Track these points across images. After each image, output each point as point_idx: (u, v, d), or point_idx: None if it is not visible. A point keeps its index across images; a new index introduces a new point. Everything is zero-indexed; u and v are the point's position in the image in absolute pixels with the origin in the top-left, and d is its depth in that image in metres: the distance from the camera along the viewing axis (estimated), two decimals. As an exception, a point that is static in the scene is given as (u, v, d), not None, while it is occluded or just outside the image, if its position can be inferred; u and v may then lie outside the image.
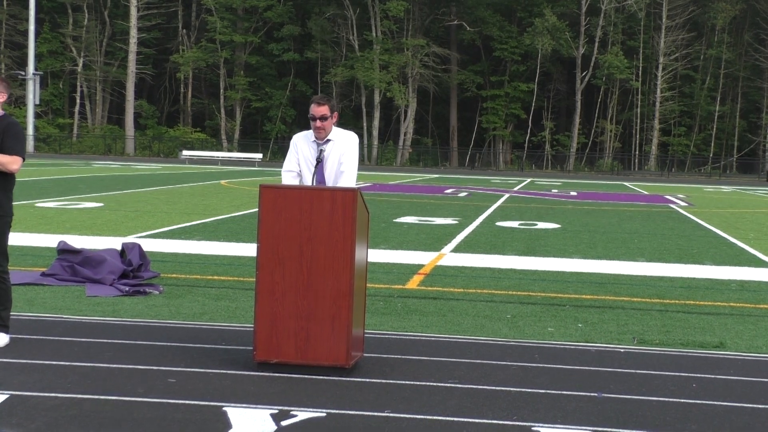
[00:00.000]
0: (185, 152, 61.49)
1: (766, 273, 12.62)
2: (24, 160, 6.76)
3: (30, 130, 62.68)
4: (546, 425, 5.36)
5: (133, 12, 69.72)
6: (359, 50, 68.87)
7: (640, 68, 71.20)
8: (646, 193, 37.47)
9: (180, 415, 5.27)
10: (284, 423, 5.20)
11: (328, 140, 6.86)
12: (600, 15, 68.94)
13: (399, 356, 6.92)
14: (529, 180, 49.12)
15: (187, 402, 5.53)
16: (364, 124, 69.40)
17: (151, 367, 6.31)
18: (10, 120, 6.79)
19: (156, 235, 14.64)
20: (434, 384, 6.16)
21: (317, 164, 6.82)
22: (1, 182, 6.71)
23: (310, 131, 6.89)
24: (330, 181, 6.85)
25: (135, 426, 5.06)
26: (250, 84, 70.89)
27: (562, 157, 71.41)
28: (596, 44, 69.31)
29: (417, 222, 18.68)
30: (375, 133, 70.29)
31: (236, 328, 7.73)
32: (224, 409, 5.42)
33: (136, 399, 5.55)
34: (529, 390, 6.09)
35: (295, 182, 6.94)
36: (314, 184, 6.83)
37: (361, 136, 64.64)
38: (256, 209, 6.90)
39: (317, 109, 6.75)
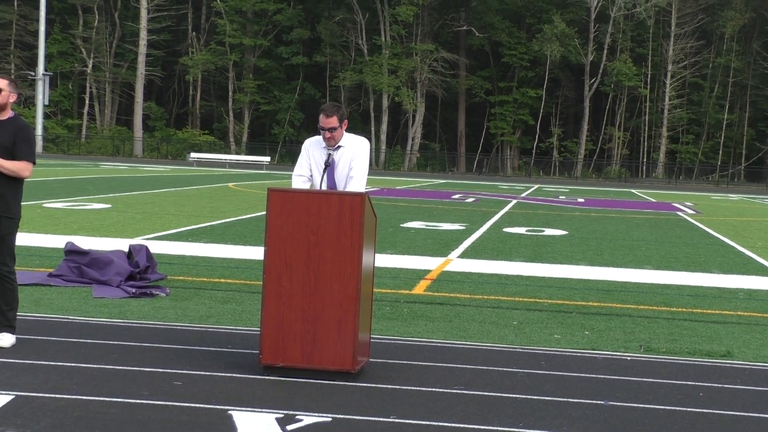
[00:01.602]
0: (193, 154, 61.58)
1: (774, 282, 12.58)
2: (34, 164, 6.79)
3: (39, 131, 62.83)
4: (552, 433, 5.34)
5: (143, 14, 69.89)
6: (368, 54, 68.93)
7: (649, 76, 71.12)
8: (653, 200, 37.41)
9: (185, 418, 5.26)
10: (290, 427, 5.19)
11: (339, 146, 6.87)
12: (609, 22, 68.90)
13: (405, 362, 6.91)
14: (536, 186, 49.08)
15: (192, 405, 5.53)
16: (372, 129, 69.42)
17: (157, 370, 6.31)
18: (22, 123, 6.80)
19: (163, 237, 14.65)
20: (440, 390, 6.14)
21: (326, 168, 6.83)
22: (9, 183, 6.72)
23: (322, 136, 6.90)
24: (340, 186, 6.87)
25: (140, 428, 5.05)
26: (259, 87, 70.98)
27: (570, 163, 71.35)
28: (605, 51, 69.28)
29: (424, 227, 18.67)
30: (383, 137, 70.32)
31: (242, 332, 7.73)
32: (230, 412, 5.41)
33: (141, 401, 5.55)
34: (536, 397, 6.07)
35: (306, 186, 6.95)
36: (324, 188, 6.83)
37: (368, 141, 64.31)
38: (264, 212, 6.89)
39: (326, 121, 6.74)
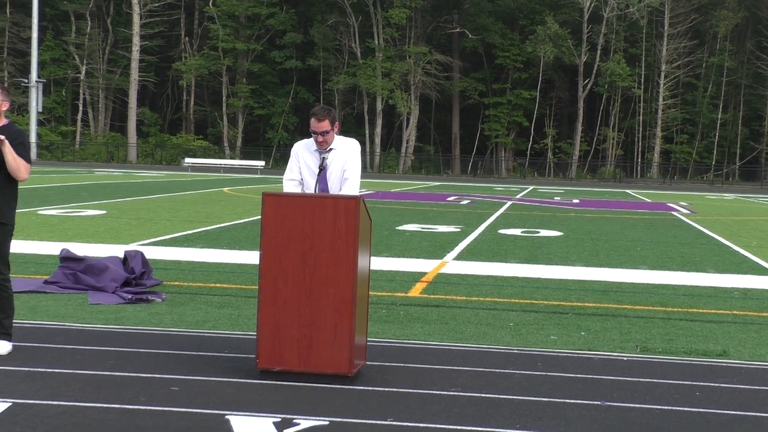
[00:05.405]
0: (187, 160, 61.54)
1: (769, 281, 12.60)
2: (30, 168, 6.79)
3: (33, 138, 62.73)
4: (549, 434, 5.34)
5: (136, 20, 69.85)
6: (361, 58, 68.95)
7: (643, 76, 71.24)
8: (648, 200, 37.45)
9: (183, 423, 5.26)
10: (287, 431, 5.19)
11: (331, 149, 6.85)
12: (602, 23, 68.99)
13: (401, 364, 6.91)
14: (531, 188, 49.11)
15: (189, 410, 5.53)
16: (366, 132, 69.45)
17: (154, 375, 6.30)
18: (17, 128, 6.82)
19: (158, 242, 14.64)
20: (437, 392, 6.15)
21: (320, 172, 6.81)
22: (3, 189, 6.71)
23: (311, 140, 6.88)
24: (333, 189, 6.84)
25: (137, 434, 5.05)
26: (253, 92, 70.98)
27: (565, 164, 71.42)
28: (598, 52, 69.35)
29: (419, 230, 18.68)
30: (377, 140, 70.34)
31: (239, 336, 7.73)
32: (227, 417, 5.42)
33: (138, 407, 5.55)
34: (532, 398, 6.08)
35: (297, 191, 6.93)
36: (317, 192, 6.82)
37: (363, 144, 64.69)
38: (259, 217, 6.88)
39: (318, 125, 6.71)
